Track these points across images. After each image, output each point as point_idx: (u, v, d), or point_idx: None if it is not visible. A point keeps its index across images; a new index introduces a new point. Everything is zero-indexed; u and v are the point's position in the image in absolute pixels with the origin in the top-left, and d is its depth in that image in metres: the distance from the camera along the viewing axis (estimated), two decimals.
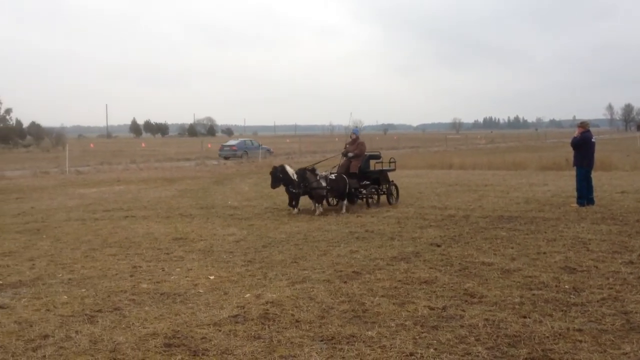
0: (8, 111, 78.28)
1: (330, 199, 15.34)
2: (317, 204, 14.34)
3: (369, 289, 7.30)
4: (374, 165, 16.69)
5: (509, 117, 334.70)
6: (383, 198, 15.86)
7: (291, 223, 12.66)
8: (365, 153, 15.82)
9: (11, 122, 78.54)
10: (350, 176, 14.99)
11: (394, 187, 16.02)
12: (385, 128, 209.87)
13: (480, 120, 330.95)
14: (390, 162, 16.69)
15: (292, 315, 6.32)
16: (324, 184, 14.28)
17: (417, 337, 5.62)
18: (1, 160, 41.84)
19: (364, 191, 15.24)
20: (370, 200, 15.34)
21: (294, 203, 14.48)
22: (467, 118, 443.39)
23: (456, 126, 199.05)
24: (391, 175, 16.42)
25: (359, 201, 15.49)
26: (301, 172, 14.21)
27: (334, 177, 14.52)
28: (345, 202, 14.65)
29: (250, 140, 53.45)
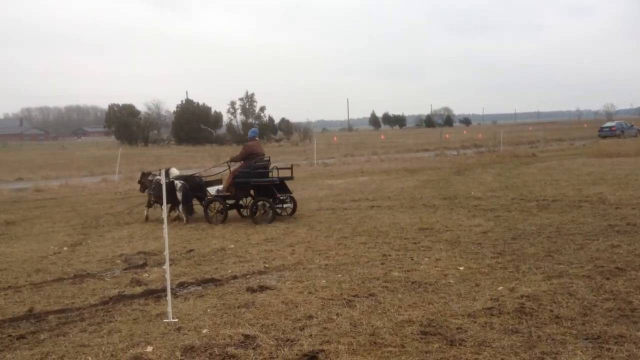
0: (262, 109, 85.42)
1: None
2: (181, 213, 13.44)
3: (636, 287, 6.71)
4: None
5: None
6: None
7: (541, 215, 12.05)
8: (266, 159, 13.59)
9: (265, 119, 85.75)
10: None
11: (272, 203, 12.96)
12: None
13: None
14: (277, 170, 13.69)
15: (551, 311, 6.04)
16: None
17: None
18: None
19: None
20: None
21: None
22: None
23: None
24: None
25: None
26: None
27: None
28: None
29: (625, 122, 58.49)
